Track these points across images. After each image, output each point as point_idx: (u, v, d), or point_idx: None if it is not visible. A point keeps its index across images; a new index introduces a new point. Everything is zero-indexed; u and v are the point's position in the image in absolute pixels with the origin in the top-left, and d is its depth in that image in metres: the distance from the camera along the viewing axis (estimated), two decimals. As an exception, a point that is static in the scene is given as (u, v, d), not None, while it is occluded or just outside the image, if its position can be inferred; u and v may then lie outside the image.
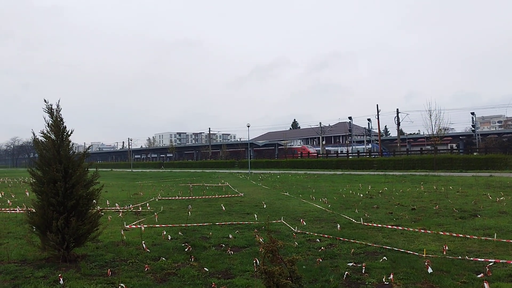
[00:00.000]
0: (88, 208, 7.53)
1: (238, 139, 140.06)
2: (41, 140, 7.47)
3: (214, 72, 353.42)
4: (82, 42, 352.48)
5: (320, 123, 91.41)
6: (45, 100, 7.35)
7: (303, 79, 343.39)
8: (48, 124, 7.41)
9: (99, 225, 7.79)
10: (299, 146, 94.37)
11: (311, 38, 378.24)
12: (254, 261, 6.76)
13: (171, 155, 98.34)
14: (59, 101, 7.44)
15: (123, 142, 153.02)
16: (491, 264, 6.60)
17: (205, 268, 6.74)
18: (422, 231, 9.45)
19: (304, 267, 6.66)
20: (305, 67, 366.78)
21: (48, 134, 7.42)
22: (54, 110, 7.40)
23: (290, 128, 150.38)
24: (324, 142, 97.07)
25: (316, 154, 74.00)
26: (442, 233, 9.16)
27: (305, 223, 10.84)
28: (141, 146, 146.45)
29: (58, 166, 7.23)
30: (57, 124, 7.42)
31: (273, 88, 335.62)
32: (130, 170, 73.81)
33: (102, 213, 10.15)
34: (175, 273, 6.60)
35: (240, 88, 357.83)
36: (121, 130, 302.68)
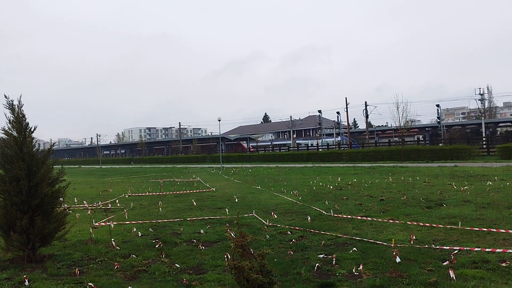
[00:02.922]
0: (54, 207, 7.32)
1: (210, 134, 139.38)
2: (2, 137, 7.19)
3: (189, 66, 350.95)
4: (52, 36, 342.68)
5: (291, 117, 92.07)
6: (5, 95, 7.07)
7: (277, 73, 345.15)
8: (9, 120, 7.14)
9: (66, 224, 7.60)
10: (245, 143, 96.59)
11: (286, 32, 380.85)
12: (226, 256, 6.74)
13: (140, 149, 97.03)
14: (20, 96, 7.17)
15: (92, 138, 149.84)
16: (456, 252, 6.79)
17: (176, 264, 6.67)
18: (391, 221, 9.63)
19: (275, 260, 6.67)
20: (280, 61, 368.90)
21: (10, 131, 7.14)
22: (16, 106, 7.12)
23: (262, 122, 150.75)
24: (294, 136, 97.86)
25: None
26: (409, 222, 9.36)
27: (276, 216, 10.87)
28: (110, 142, 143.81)
29: (21, 164, 6.98)
30: (19, 121, 7.15)
31: (248, 82, 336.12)
32: (99, 166, 72.29)
33: (70, 211, 9.92)
34: (146, 270, 6.51)
35: (215, 83, 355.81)
36: (89, 126, 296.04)
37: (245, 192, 17.69)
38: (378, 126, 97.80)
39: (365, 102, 66.39)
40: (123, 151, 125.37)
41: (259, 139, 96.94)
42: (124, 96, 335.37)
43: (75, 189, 21.45)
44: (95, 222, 10.64)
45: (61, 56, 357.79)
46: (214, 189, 19.27)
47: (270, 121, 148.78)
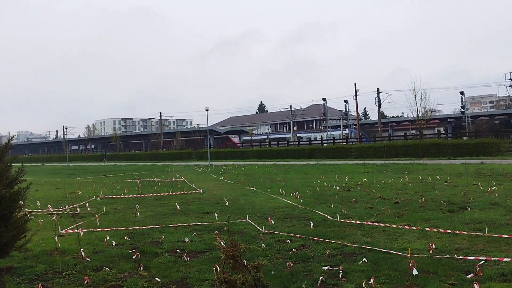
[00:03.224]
0: (12, 211, 7.28)
1: (196, 126, 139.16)
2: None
3: (172, 47, 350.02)
4: (10, 14, 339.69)
5: (291, 106, 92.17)
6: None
7: (275, 55, 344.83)
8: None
9: (28, 231, 7.58)
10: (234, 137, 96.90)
11: (286, 6, 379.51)
12: (215, 269, 6.75)
13: (114, 143, 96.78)
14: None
15: (57, 131, 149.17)
16: (482, 262, 6.84)
17: (156, 278, 6.68)
18: (407, 227, 9.69)
19: (272, 273, 6.70)
20: (279, 41, 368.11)
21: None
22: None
23: (257, 112, 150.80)
24: (295, 128, 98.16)
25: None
26: (428, 229, 9.42)
27: (273, 222, 10.92)
28: (79, 136, 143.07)
29: (-27, 161, 6.94)
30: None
31: (241, 66, 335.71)
32: (66, 164, 72.04)
33: (32, 217, 9.88)
34: (121, 285, 6.52)
35: (202, 67, 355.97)
36: (55, 117, 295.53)
37: (237, 194, 17.71)
38: (393, 116, 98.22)
39: (378, 89, 66.50)
40: (94, 146, 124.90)
41: (253, 132, 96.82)
42: (96, 83, 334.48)
43: (38, 190, 21.38)
44: (62, 229, 10.61)
45: (22, 38, 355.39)
46: (201, 190, 19.28)
47: (267, 111, 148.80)
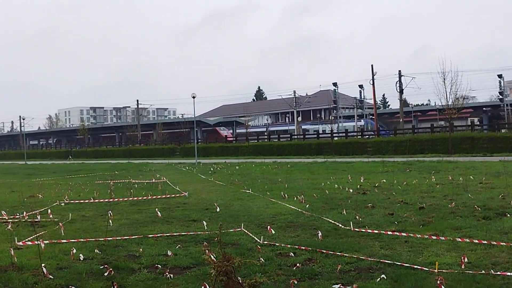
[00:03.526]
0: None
1: (180, 116, 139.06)
2: None
3: (151, 21, 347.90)
4: None
5: (295, 92, 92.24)
6: None
7: (276, 30, 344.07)
8: None
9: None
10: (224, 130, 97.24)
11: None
12: (203, 287, 6.77)
13: (82, 137, 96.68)
14: None
15: (12, 123, 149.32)
16: (523, 279, 6.87)
17: (133, 299, 6.69)
18: (434, 237, 9.70)
19: (273, 292, 6.71)
20: (281, 14, 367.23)
21: None
22: None
23: (253, 100, 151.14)
24: (300, 119, 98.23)
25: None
26: (459, 239, 9.43)
27: (274, 231, 10.90)
28: (39, 128, 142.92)
29: None
30: None
31: (234, 44, 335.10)
32: (24, 162, 72.00)
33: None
34: (90, 307, 6.52)
35: (188, 45, 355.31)
36: (9, 106, 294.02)
37: (231, 198, 17.76)
38: (417, 105, 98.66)
39: (399, 71, 66.49)
40: (57, 141, 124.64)
41: (249, 123, 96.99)
42: (59, 65, 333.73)
43: (-10, 194, 21.36)
44: (18, 241, 10.58)
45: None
46: (186, 193, 19.30)
47: (266, 98, 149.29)
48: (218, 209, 14.63)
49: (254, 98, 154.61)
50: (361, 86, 77.06)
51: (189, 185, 23.19)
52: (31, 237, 11.06)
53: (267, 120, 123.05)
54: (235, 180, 24.85)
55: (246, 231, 11.11)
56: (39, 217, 14.40)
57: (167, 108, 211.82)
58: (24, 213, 14.93)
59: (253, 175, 28.31)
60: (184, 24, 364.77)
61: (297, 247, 9.32)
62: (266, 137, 75.84)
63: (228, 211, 14.56)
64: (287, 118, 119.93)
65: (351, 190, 18.15)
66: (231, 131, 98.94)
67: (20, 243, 10.45)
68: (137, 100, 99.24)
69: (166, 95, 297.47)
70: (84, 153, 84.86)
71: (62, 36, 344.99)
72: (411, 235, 9.99)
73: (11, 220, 13.63)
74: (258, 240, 10.02)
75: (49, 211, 15.16)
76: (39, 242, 10.06)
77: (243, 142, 69.22)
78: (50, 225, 12.91)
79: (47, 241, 10.37)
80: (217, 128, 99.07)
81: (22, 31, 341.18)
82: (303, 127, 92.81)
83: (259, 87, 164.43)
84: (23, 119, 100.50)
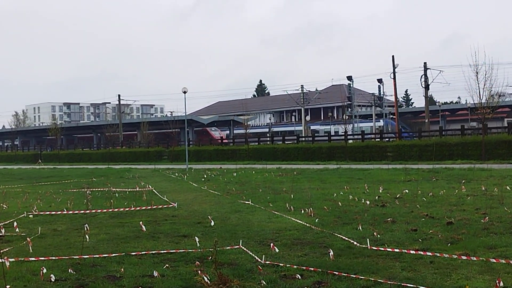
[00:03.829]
0: None
1: (169, 114, 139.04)
2: None
3: (136, 3, 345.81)
4: None
5: (302, 87, 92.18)
6: None
7: (281, 15, 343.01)
8: None
9: None
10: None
11: None
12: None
13: (53, 138, 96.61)
14: None
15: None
16: None
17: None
18: (464, 257, 9.70)
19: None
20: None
21: None
22: None
23: (254, 96, 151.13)
24: (308, 118, 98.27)
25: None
26: (494, 260, 9.46)
27: (277, 249, 10.87)
28: (3, 127, 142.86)
29: None
30: None
31: (232, 31, 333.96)
32: (-18, 167, 72.08)
33: None
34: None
35: (178, 32, 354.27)
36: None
37: (227, 210, 17.86)
38: (445, 103, 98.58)
39: (424, 63, 66.47)
40: (24, 142, 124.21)
41: (249, 122, 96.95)
42: (26, 53, 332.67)
43: None
44: (-19, 258, 10.76)
45: None
46: (175, 204, 19.33)
47: (269, 93, 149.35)
48: (212, 223, 14.62)
49: (255, 93, 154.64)
50: (380, 81, 76.95)
51: (178, 195, 23.24)
52: (-4, 254, 11.26)
53: (270, 119, 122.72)
54: (232, 189, 24.86)
55: (245, 249, 11.18)
56: (3, 231, 14.41)
57: (154, 105, 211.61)
58: (-15, 226, 15.09)
59: (253, 183, 28.28)
60: (174, 7, 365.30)
61: (304, 268, 9.38)
62: (268, 139, 75.58)
63: (224, 225, 14.63)
64: (293, 117, 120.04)
65: (368, 202, 18.16)
66: (227, 131, 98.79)
67: (-17, 261, 10.63)
68: (119, 95, 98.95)
69: (152, 89, 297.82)
70: (56, 156, 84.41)
71: (29, 18, 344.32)
72: (438, 254, 10.01)
73: (-30, 235, 13.79)
74: (259, 260, 10.07)
75: (15, 224, 15.17)
76: (3, 260, 10.26)
77: (241, 144, 68.99)
78: (16, 241, 12.99)
79: (13, 259, 10.40)
80: (208, 129, 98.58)
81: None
82: (312, 127, 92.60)
83: (260, 80, 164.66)
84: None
